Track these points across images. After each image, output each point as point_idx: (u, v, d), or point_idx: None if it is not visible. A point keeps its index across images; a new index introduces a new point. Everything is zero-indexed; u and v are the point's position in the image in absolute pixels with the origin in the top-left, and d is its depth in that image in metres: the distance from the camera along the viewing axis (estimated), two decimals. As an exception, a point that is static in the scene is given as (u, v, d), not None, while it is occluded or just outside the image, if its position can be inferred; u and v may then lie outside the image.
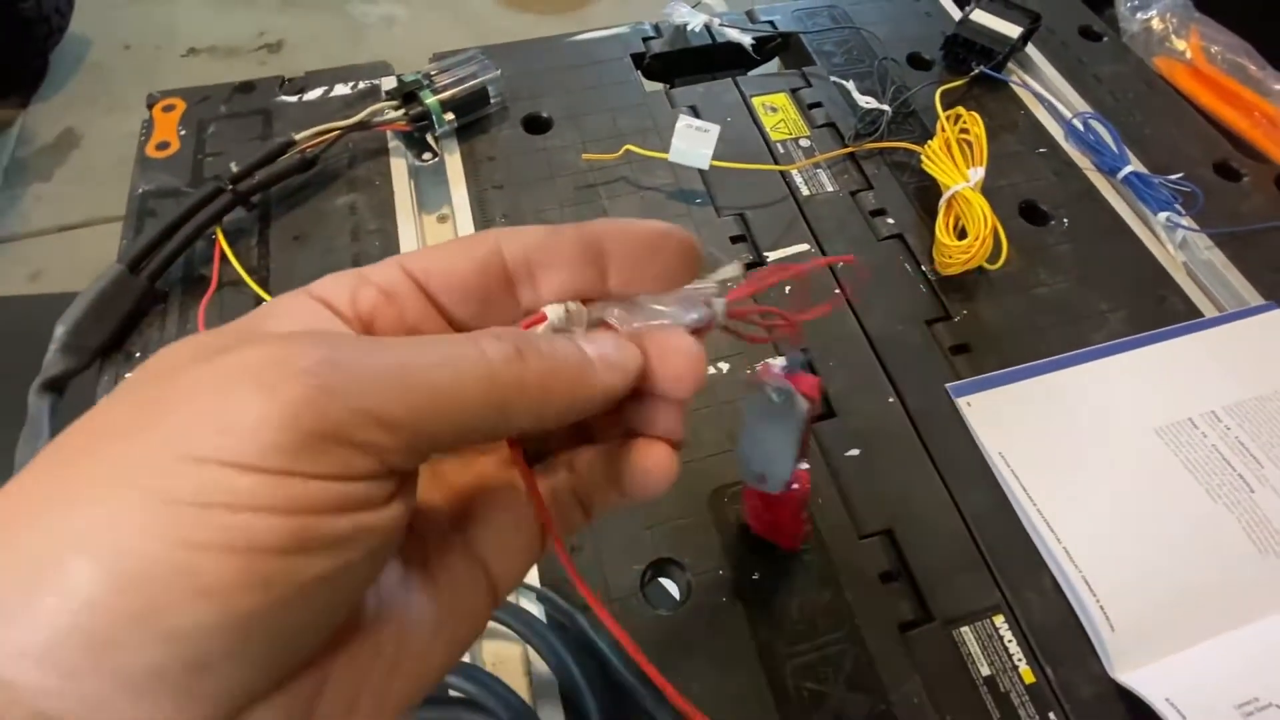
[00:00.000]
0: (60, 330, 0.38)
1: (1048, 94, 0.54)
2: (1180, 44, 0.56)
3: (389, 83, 0.52)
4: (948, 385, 0.40)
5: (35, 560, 0.10)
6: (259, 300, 0.41)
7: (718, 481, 0.36)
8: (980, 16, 0.54)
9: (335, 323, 0.14)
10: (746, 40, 0.55)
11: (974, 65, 0.53)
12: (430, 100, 0.47)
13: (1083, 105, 0.54)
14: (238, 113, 0.50)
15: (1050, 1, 0.59)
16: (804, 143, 0.50)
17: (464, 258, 0.15)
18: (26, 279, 1.20)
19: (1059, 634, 0.33)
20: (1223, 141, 0.53)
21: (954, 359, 0.41)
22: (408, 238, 0.44)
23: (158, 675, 0.10)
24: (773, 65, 0.59)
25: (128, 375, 0.14)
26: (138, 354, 0.39)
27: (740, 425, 0.30)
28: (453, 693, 0.29)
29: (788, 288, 0.40)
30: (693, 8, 0.55)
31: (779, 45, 0.58)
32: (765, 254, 0.44)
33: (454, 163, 0.48)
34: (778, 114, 0.51)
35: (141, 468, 0.11)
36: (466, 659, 0.31)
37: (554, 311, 0.16)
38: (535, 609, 0.32)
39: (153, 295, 0.41)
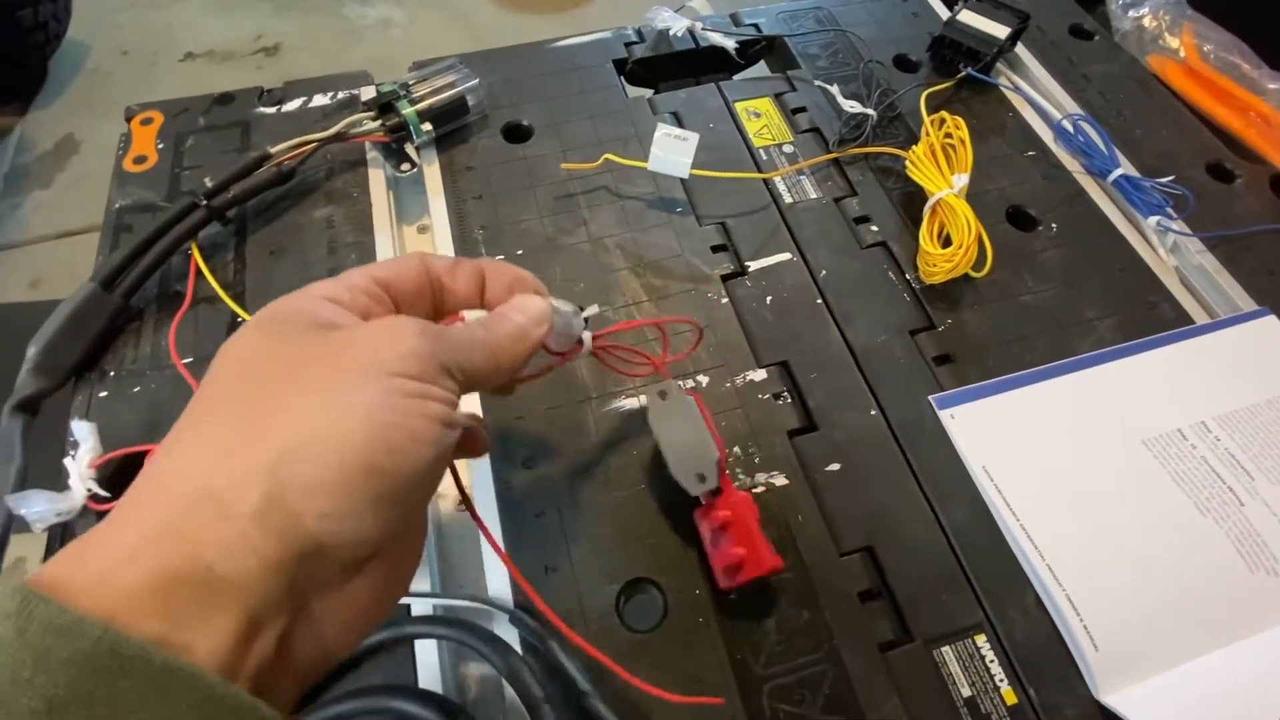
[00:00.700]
0: (33, 350, 0.38)
1: (1037, 95, 0.53)
2: (1173, 42, 0.55)
3: (369, 92, 0.51)
4: (931, 397, 0.39)
5: (316, 418, 0.17)
6: (234, 316, 0.41)
7: (695, 501, 0.35)
8: (967, 17, 0.53)
9: (348, 315, 0.21)
10: (730, 44, 0.54)
11: (961, 67, 0.53)
12: (407, 111, 0.46)
13: (1072, 106, 0.53)
14: (216, 125, 0.50)
15: (1041, -1, 0.59)
16: (787, 148, 0.49)
17: (405, 268, 0.23)
18: (27, 286, 1.21)
19: (1042, 654, 0.32)
20: (1216, 142, 0.51)
21: (938, 370, 0.40)
22: (384, 251, 0.44)
23: (387, 497, 0.17)
24: (759, 69, 0.59)
25: (218, 356, 0.19)
26: (111, 372, 0.39)
27: (657, 455, 0.33)
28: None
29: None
30: (676, 12, 0.54)
31: (763, 49, 0.57)
32: (746, 263, 0.44)
33: (433, 173, 0.47)
34: (761, 119, 0.51)
35: (353, 375, 0.18)
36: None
37: (472, 315, 0.24)
38: (508, 632, 0.32)
39: (127, 313, 0.40)
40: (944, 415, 0.38)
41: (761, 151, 0.49)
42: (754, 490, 0.36)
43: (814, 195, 0.47)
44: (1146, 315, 0.43)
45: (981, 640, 0.33)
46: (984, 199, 0.47)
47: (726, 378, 0.39)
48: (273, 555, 0.16)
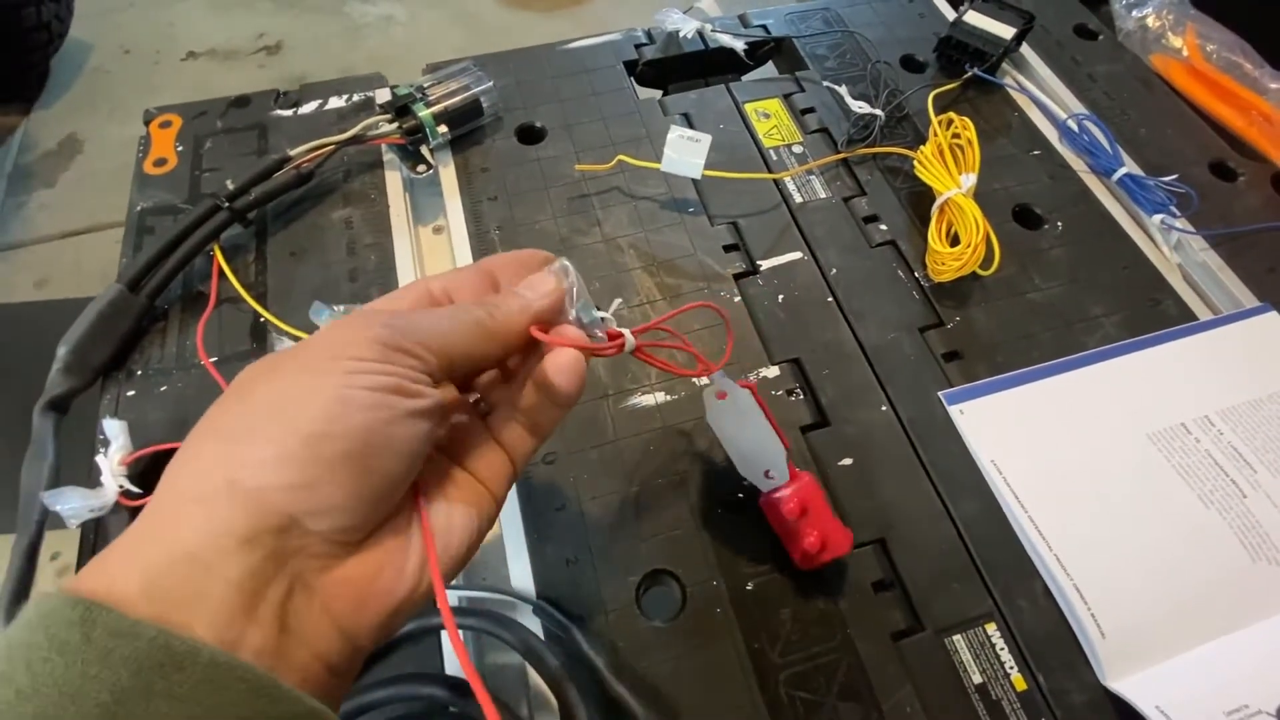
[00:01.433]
0: (62, 350, 0.38)
1: (1042, 95, 0.54)
2: (1176, 41, 0.56)
3: (384, 94, 0.52)
4: (941, 393, 0.40)
5: (271, 406, 0.19)
6: (257, 317, 0.42)
7: (712, 493, 0.36)
8: (973, 18, 0.54)
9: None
10: (739, 45, 0.55)
11: (967, 67, 0.53)
12: (424, 113, 0.47)
13: (1077, 106, 0.54)
14: (233, 127, 0.50)
15: (1045, -1, 0.59)
16: (797, 149, 0.50)
17: (407, 300, 0.25)
18: (33, 286, 1.21)
19: (1051, 641, 0.33)
20: (1218, 141, 0.52)
21: (947, 366, 0.41)
22: (403, 252, 0.44)
23: (344, 465, 0.18)
24: (768, 70, 0.59)
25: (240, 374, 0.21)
26: (139, 371, 0.40)
27: (720, 448, 0.33)
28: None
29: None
30: (685, 13, 0.55)
31: (772, 50, 0.58)
32: (758, 262, 0.44)
33: (448, 175, 0.48)
34: (771, 120, 0.51)
35: (310, 363, 0.20)
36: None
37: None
38: (532, 623, 0.33)
39: (152, 313, 0.41)
40: (953, 410, 0.39)
41: (771, 152, 0.50)
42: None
43: (823, 195, 0.48)
44: (1151, 312, 0.44)
45: (991, 629, 0.33)
46: (991, 198, 0.48)
47: (740, 375, 0.40)
48: (244, 530, 0.17)
